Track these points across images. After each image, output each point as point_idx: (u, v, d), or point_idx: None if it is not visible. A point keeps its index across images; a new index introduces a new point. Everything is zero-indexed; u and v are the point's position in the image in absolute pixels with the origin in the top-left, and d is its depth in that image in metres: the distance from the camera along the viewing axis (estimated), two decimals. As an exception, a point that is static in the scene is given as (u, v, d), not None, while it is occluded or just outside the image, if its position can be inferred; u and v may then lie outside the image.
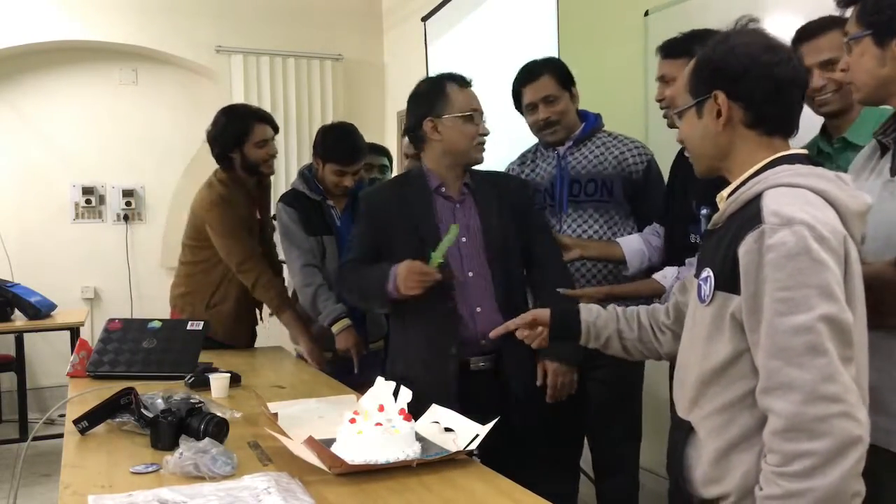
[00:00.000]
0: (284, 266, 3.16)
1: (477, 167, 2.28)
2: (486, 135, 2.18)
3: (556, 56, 3.60)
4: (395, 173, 3.69)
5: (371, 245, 2.23)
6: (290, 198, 2.99)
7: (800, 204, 1.22)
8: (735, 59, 1.32)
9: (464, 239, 2.11)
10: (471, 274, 2.11)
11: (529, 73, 2.51)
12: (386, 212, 2.21)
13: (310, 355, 2.95)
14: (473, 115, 2.14)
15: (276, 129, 3.08)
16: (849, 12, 1.50)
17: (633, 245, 2.34)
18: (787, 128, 1.37)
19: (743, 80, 1.32)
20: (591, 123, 2.53)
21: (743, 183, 1.33)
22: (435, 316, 2.11)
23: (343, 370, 2.83)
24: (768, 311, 1.20)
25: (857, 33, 1.45)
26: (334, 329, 2.83)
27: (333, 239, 2.95)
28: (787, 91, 1.33)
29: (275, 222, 3.17)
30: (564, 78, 2.49)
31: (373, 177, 3.46)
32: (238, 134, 2.95)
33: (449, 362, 2.09)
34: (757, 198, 1.27)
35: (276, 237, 3.21)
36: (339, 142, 2.93)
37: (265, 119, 3.04)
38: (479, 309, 2.10)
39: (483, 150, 2.19)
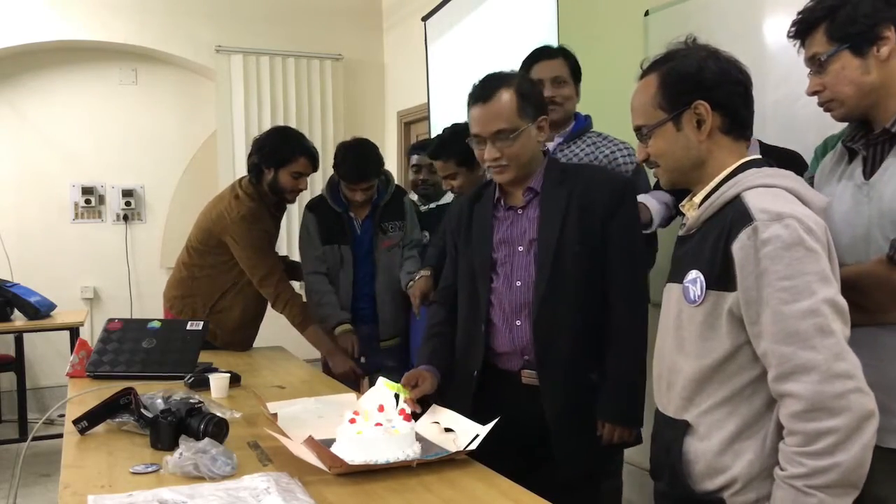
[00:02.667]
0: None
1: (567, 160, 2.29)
2: (493, 159, 1.91)
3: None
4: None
5: (452, 270, 2.17)
6: (314, 204, 3.14)
7: (782, 201, 1.30)
8: (708, 70, 1.40)
9: (520, 248, 1.95)
10: (518, 284, 1.94)
11: (545, 51, 2.52)
12: (456, 229, 2.12)
13: (337, 369, 2.98)
14: (474, 139, 1.95)
15: (315, 169, 3.10)
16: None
17: (655, 205, 2.27)
18: (750, 131, 1.45)
19: (719, 88, 1.39)
20: (581, 123, 2.55)
21: (716, 188, 1.39)
22: (466, 324, 2.06)
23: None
24: (773, 301, 1.25)
25: (833, 49, 1.49)
26: (337, 332, 3.03)
27: (350, 248, 3.10)
28: (751, 96, 1.43)
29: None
30: (575, 69, 2.52)
31: (423, 178, 3.40)
32: (282, 157, 2.99)
33: (470, 367, 2.01)
34: (735, 199, 1.34)
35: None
36: (345, 162, 3.03)
37: (311, 156, 3.06)
38: (518, 322, 1.94)
39: (498, 172, 1.94)
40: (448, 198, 3.45)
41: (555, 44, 3.58)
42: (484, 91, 1.90)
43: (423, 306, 2.74)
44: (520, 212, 1.98)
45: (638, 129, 1.47)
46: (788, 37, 1.59)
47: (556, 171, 1.98)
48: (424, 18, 5.10)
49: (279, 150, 2.99)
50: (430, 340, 2.14)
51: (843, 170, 1.58)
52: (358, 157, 3.03)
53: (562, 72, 2.46)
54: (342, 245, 3.09)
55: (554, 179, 1.96)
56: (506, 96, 1.88)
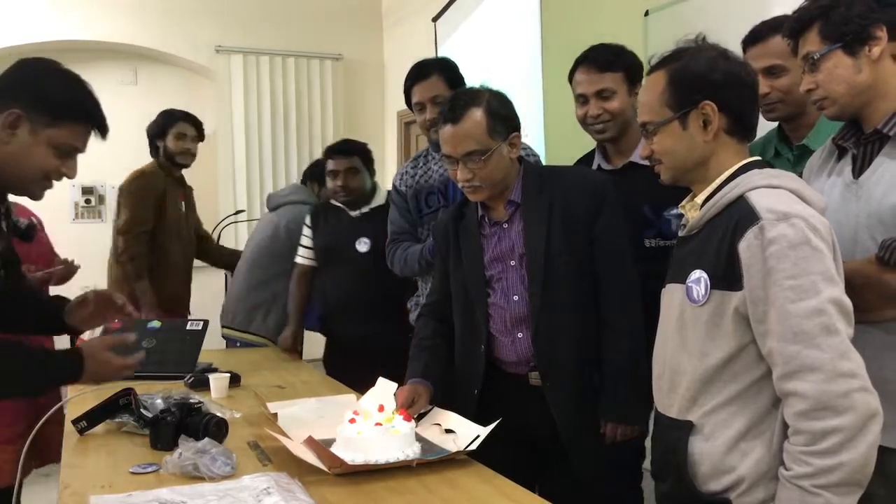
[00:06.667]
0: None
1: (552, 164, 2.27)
2: (465, 180, 1.88)
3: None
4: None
5: (440, 286, 2.12)
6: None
7: (787, 200, 1.31)
8: (718, 71, 1.40)
9: (512, 263, 1.93)
10: (516, 298, 1.93)
11: (419, 73, 2.46)
12: (444, 250, 2.09)
13: (144, 302, 3.38)
14: (446, 159, 1.94)
15: (200, 134, 3.70)
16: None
17: None
18: (754, 133, 1.47)
19: (727, 89, 1.40)
20: None
21: (719, 188, 1.40)
22: (464, 340, 2.04)
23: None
24: (779, 300, 1.25)
25: (825, 49, 1.50)
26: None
27: None
28: (757, 98, 1.46)
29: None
30: (454, 79, 2.44)
31: (341, 184, 3.10)
32: (162, 126, 3.60)
33: (472, 385, 1.98)
34: (739, 199, 1.35)
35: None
36: None
37: (190, 120, 3.66)
38: (520, 335, 1.93)
39: (470, 192, 1.92)
40: (380, 199, 3.11)
41: (542, 44, 3.59)
42: (454, 112, 1.87)
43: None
44: (505, 226, 1.95)
45: (643, 126, 1.48)
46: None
47: (534, 179, 1.96)
48: (434, 19, 5.08)
49: (159, 120, 3.65)
50: (420, 354, 2.07)
51: (832, 166, 1.59)
52: None
53: (439, 90, 2.38)
54: None
55: (533, 188, 1.94)
56: (476, 116, 1.85)
